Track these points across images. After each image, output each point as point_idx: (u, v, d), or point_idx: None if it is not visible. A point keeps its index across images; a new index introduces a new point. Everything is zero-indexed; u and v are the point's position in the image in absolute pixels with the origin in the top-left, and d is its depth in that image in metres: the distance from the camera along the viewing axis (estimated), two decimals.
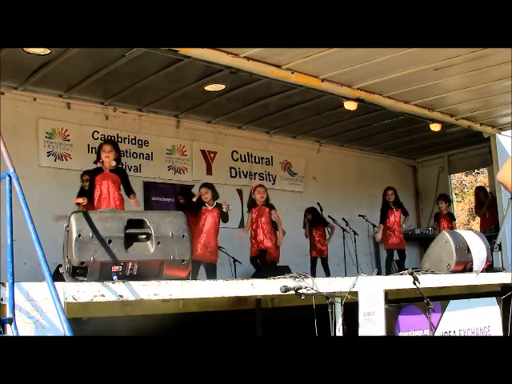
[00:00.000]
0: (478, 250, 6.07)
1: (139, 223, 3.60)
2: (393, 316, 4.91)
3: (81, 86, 7.31)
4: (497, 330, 5.89)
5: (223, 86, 7.53)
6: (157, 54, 6.20)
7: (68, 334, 2.71)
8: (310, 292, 3.96)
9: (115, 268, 3.43)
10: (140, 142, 8.43)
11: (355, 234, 9.12)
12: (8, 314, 2.84)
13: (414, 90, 7.12)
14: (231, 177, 9.38)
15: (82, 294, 3.28)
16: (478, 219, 12.50)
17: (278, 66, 6.21)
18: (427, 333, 5.05)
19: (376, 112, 8.37)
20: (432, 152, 11.45)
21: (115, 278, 3.41)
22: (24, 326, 2.98)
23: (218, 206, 7.08)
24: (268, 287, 4.12)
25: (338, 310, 4.14)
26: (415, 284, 4.70)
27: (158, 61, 6.54)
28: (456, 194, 19.49)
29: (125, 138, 8.27)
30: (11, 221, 2.96)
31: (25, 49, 5.95)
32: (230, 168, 9.40)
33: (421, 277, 4.92)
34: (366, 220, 9.43)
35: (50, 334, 3.03)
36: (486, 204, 10.00)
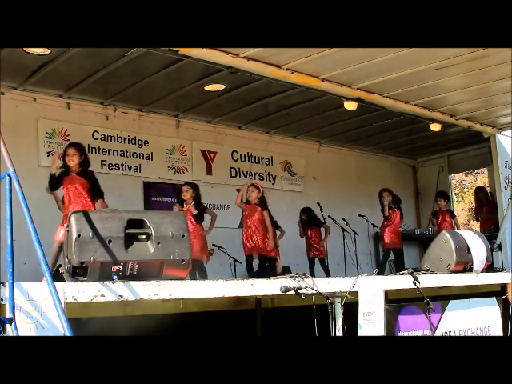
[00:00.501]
0: (478, 250, 6.07)
1: (139, 223, 3.61)
2: (393, 316, 4.91)
3: (81, 86, 7.30)
4: (497, 330, 5.89)
5: (223, 86, 7.52)
6: (157, 54, 6.19)
7: (68, 334, 2.71)
8: (309, 292, 3.96)
9: (115, 268, 3.44)
10: (140, 142, 8.42)
11: (355, 233, 9.11)
12: (8, 314, 2.84)
13: (413, 90, 7.12)
14: (231, 177, 9.37)
15: (82, 294, 3.28)
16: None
17: (278, 66, 6.20)
18: (427, 333, 5.06)
19: (376, 112, 8.36)
20: (432, 152, 11.42)
21: (115, 277, 3.41)
22: (24, 326, 2.98)
23: (198, 208, 6.81)
24: (268, 287, 4.12)
25: (338, 310, 4.15)
26: (415, 284, 4.70)
27: (158, 61, 6.53)
28: (456, 193, 19.47)
29: (125, 138, 8.26)
30: (11, 221, 2.97)
31: (25, 49, 5.94)
32: (230, 168, 9.38)
33: (421, 277, 4.93)
34: (366, 220, 9.42)
35: (50, 334, 3.03)
36: (484, 209, 9.99)
